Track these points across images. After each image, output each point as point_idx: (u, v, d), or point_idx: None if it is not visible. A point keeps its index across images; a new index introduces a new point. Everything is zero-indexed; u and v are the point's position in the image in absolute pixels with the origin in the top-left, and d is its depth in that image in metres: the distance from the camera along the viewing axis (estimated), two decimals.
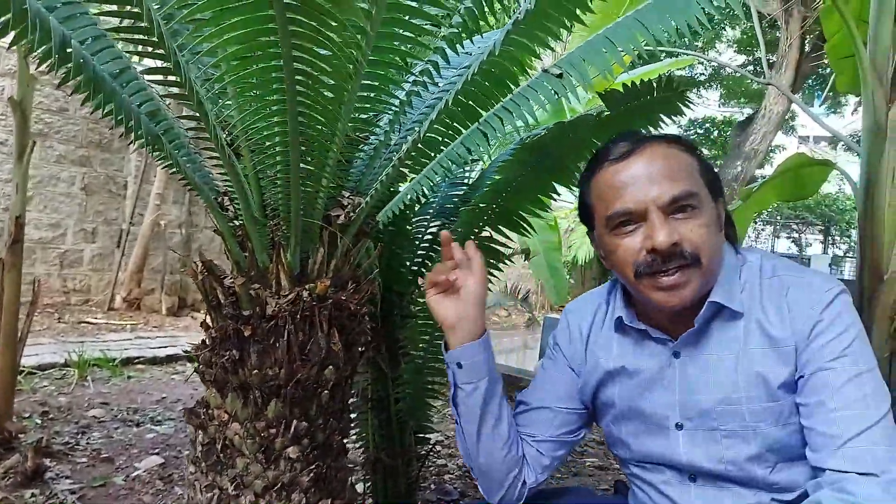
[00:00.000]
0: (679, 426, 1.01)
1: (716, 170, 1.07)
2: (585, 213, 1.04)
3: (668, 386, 1.02)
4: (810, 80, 9.75)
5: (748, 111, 11.15)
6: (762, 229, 18.67)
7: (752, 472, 0.96)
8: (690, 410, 1.00)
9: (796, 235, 19.43)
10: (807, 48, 6.72)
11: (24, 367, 3.34)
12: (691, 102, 1.58)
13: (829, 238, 18.77)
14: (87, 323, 5.65)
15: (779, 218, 18.46)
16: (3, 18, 0.94)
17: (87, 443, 2.61)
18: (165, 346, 4.75)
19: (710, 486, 1.00)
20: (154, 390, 3.64)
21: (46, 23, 0.96)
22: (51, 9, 1.14)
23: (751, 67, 10.76)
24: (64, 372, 3.73)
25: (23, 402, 2.98)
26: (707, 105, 15.94)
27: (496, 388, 1.06)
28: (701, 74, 13.49)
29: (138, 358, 4.30)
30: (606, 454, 3.11)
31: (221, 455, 1.28)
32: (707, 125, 15.81)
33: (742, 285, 0.99)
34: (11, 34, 0.97)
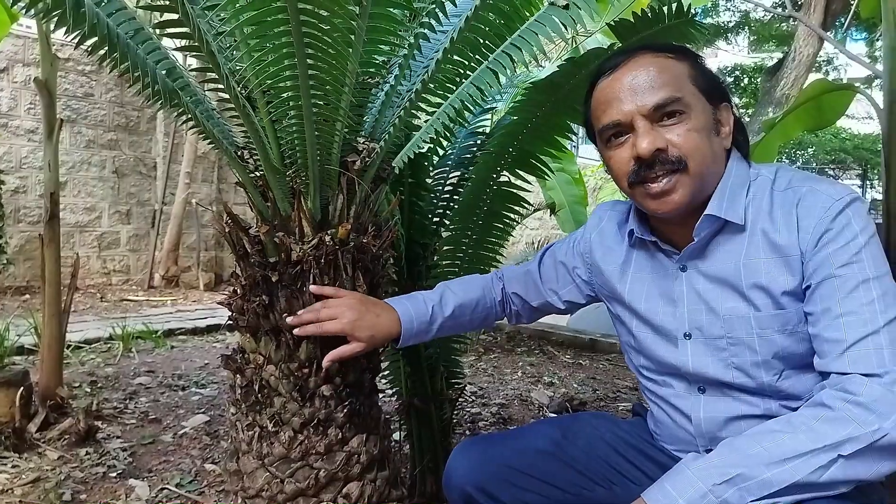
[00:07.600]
0: (687, 336, 1.03)
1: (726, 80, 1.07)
2: (590, 131, 1.08)
3: (678, 298, 1.05)
4: (841, 19, 9.39)
5: (779, 56, 10.81)
6: None
7: (759, 378, 0.97)
8: (697, 321, 1.02)
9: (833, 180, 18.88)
10: None
11: (70, 341, 3.49)
12: (704, 29, 1.55)
13: (868, 181, 18.24)
14: (129, 300, 5.83)
15: (814, 164, 17.98)
16: None
17: (136, 406, 2.73)
18: (205, 318, 4.88)
19: (719, 395, 1.02)
20: (196, 357, 3.77)
21: None
22: None
23: (779, 10, 10.40)
24: (109, 345, 3.87)
25: (72, 374, 3.12)
26: (737, 52, 15.50)
27: (452, 320, 1.33)
28: (728, 22, 13.09)
29: (180, 329, 4.44)
30: (639, 398, 3.13)
31: (259, 395, 1.34)
32: (737, 73, 15.36)
33: (749, 198, 0.99)
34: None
